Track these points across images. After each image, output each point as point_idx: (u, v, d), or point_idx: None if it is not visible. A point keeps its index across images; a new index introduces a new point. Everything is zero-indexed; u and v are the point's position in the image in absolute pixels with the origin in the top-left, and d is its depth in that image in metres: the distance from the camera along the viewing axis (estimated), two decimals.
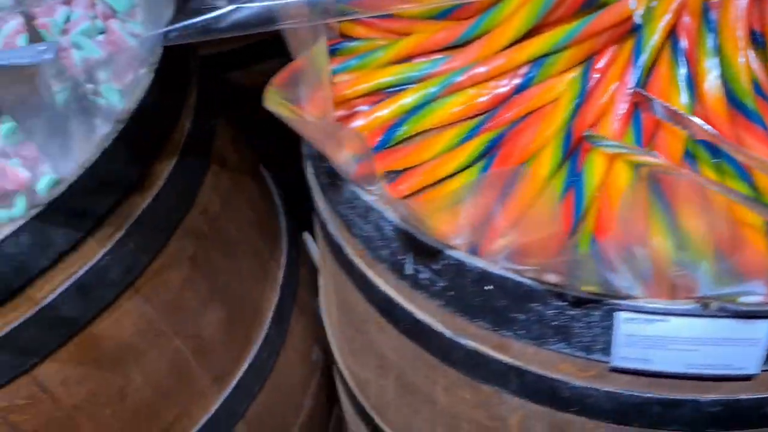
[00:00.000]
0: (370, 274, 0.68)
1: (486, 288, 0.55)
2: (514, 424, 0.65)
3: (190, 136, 0.86)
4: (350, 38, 0.79)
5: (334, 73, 0.75)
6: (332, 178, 0.67)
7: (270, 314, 1.02)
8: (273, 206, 1.10)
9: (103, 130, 0.73)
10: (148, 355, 0.83)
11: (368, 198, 0.62)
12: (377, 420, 0.86)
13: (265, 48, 1.25)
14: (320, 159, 0.69)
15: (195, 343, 0.88)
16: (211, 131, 0.92)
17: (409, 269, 0.61)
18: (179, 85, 0.87)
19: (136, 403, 0.84)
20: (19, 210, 0.68)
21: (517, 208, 0.60)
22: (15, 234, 0.67)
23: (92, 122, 0.74)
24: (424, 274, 0.60)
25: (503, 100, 0.70)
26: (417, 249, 0.59)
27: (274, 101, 0.57)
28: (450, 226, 0.56)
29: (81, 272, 0.73)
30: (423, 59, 0.75)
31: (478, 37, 0.72)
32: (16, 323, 0.70)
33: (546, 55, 0.69)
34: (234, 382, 0.96)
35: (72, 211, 0.71)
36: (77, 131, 0.72)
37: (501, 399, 0.64)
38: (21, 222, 0.67)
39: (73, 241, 0.71)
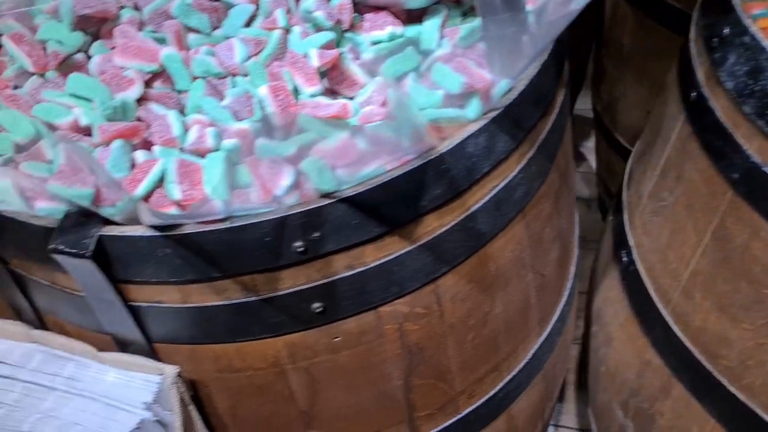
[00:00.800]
0: None
1: None
2: None
3: (570, 72, 0.84)
4: None
5: (755, 18, 0.73)
6: None
7: (573, 266, 1.00)
8: None
9: (534, 48, 0.72)
10: (510, 285, 0.81)
11: None
12: (725, 382, 0.83)
13: None
14: None
15: (540, 280, 0.86)
16: (571, 73, 0.90)
17: None
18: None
19: (491, 332, 0.82)
20: (473, 111, 0.67)
21: None
22: (476, 135, 0.66)
23: (523, 37, 0.73)
24: None
25: None
26: None
27: None
28: None
29: (500, 186, 0.72)
30: None
31: None
32: (448, 226, 0.69)
33: None
34: (549, 328, 0.94)
35: (514, 121, 0.69)
36: (521, 43, 0.70)
37: None
38: (482, 123, 0.66)
39: (508, 150, 0.70)
